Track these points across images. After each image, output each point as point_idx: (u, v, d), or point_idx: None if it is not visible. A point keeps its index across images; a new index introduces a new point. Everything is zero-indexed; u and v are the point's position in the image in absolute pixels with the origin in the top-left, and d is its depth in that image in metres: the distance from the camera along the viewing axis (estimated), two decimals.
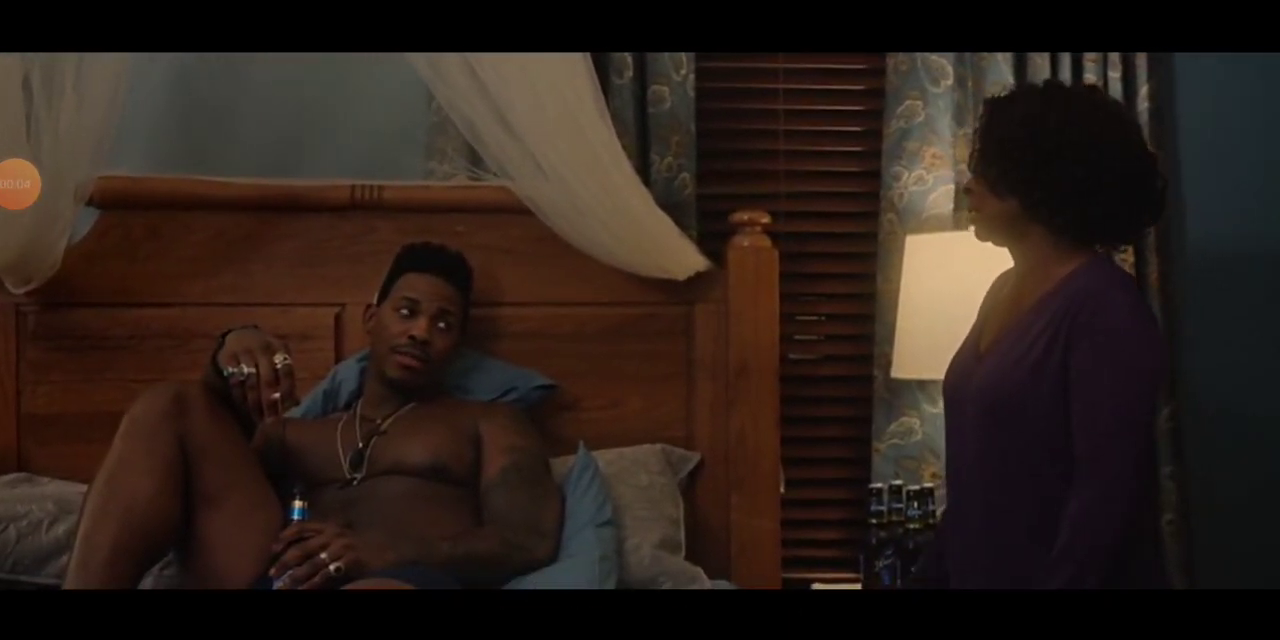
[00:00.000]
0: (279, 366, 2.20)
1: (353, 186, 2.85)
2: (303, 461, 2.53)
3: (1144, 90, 3.13)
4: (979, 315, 2.35)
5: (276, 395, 2.19)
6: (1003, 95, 2.26)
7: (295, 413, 2.64)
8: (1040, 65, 3.11)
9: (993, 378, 2.16)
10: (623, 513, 2.61)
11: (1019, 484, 2.13)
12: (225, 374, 2.21)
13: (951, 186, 3.08)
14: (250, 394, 2.20)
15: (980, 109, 2.39)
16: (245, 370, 2.20)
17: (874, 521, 2.88)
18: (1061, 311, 2.10)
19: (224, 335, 2.30)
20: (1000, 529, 2.16)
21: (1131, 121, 2.35)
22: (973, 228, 2.29)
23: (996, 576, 2.15)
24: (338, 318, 2.85)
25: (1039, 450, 2.11)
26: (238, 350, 2.22)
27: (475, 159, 2.85)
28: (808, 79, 3.24)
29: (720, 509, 2.86)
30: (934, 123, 3.10)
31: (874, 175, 3.17)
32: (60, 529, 2.49)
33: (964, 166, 2.34)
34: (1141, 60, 3.12)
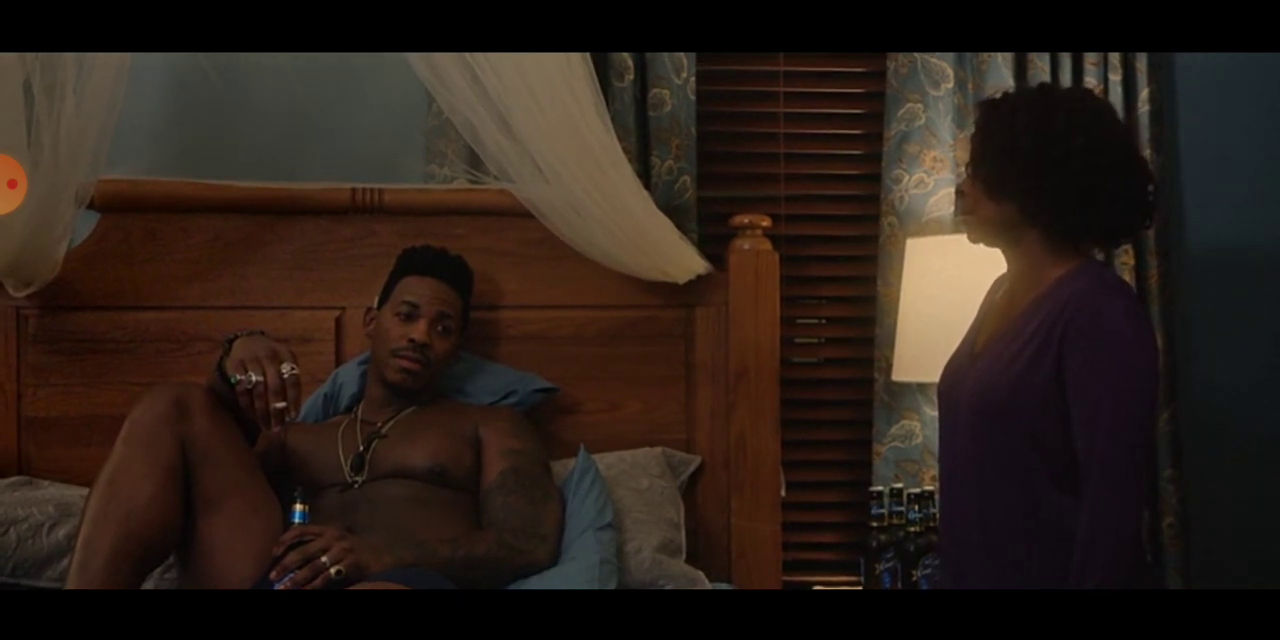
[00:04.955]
0: (286, 376, 2.20)
1: (352, 189, 2.86)
2: (303, 465, 2.53)
3: (1144, 93, 3.13)
4: (976, 317, 2.36)
5: (282, 404, 2.20)
6: (997, 98, 2.26)
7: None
8: (1040, 68, 3.11)
9: (986, 379, 2.17)
10: (623, 516, 2.60)
11: (1011, 484, 2.13)
12: (232, 381, 2.21)
13: (952, 189, 3.08)
14: (257, 402, 2.20)
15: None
16: (253, 378, 2.20)
17: (874, 524, 2.88)
18: (1055, 314, 2.10)
19: (230, 341, 2.30)
20: (993, 528, 2.16)
21: (1124, 123, 2.35)
22: (965, 230, 2.30)
23: (990, 576, 2.15)
24: (338, 321, 2.85)
25: (1031, 451, 2.11)
26: (245, 358, 2.22)
27: (475, 162, 2.85)
28: (808, 82, 3.25)
29: (720, 512, 2.86)
30: (934, 126, 3.11)
31: (874, 178, 3.17)
32: (60, 533, 2.49)
33: (964, 169, 2.35)
34: (1142, 63, 3.13)
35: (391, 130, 3.07)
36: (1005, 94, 2.26)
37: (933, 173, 3.11)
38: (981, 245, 2.28)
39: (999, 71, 3.11)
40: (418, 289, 2.63)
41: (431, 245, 2.72)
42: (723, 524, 2.85)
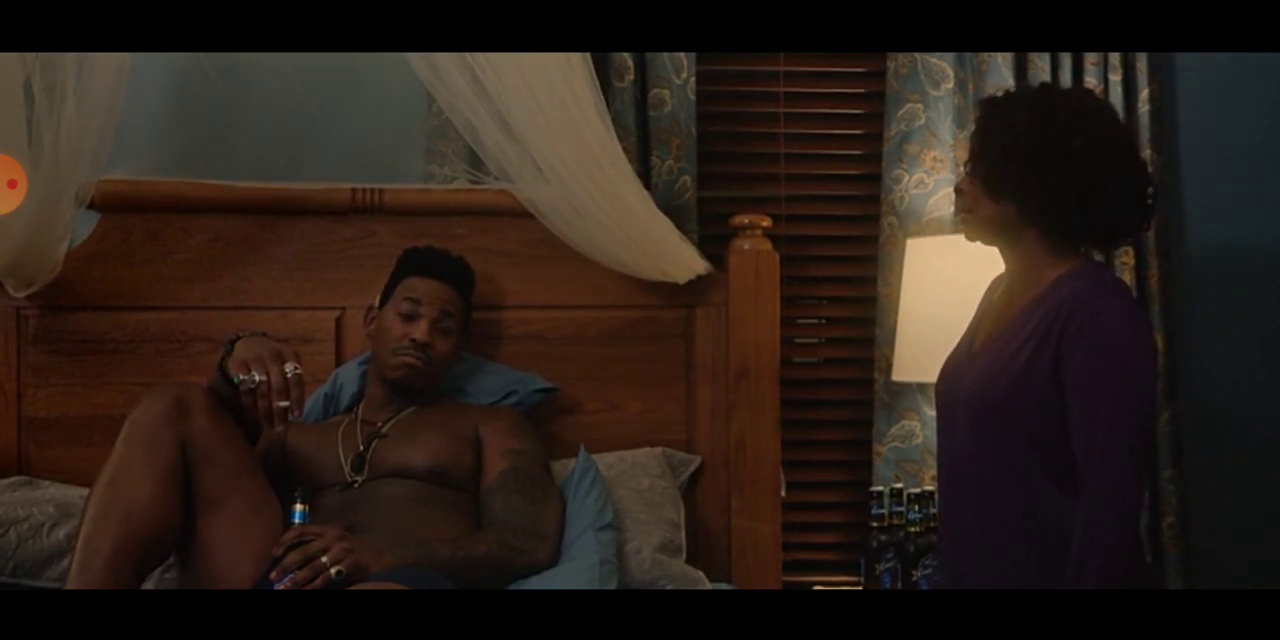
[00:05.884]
0: (289, 376, 2.21)
1: (353, 190, 2.86)
2: (304, 465, 2.53)
3: (1145, 93, 3.13)
4: (974, 317, 2.36)
5: (285, 404, 2.20)
6: (998, 97, 2.25)
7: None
8: (1040, 68, 3.11)
9: (984, 378, 2.17)
10: (623, 516, 2.60)
11: (1009, 484, 2.13)
12: (235, 382, 2.21)
13: (952, 189, 3.08)
14: (261, 402, 2.21)
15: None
16: (256, 378, 2.20)
17: (875, 524, 2.88)
18: (1053, 314, 2.10)
19: (232, 342, 2.30)
20: (991, 528, 2.16)
21: (1125, 125, 2.35)
22: (963, 229, 2.30)
23: (989, 576, 2.15)
24: (338, 321, 2.85)
25: (1029, 451, 2.11)
26: (248, 358, 2.23)
27: (475, 162, 2.85)
28: (808, 82, 3.25)
29: (721, 512, 2.86)
30: (934, 126, 3.11)
31: (875, 178, 3.17)
32: (61, 533, 2.49)
33: (964, 169, 2.36)
34: (1142, 63, 3.12)
35: (391, 130, 3.07)
36: (1006, 93, 2.26)
37: (933, 173, 3.11)
38: (981, 245, 2.28)
39: (999, 71, 3.11)
40: (420, 289, 2.63)
41: (434, 246, 2.72)
42: (723, 524, 2.85)
